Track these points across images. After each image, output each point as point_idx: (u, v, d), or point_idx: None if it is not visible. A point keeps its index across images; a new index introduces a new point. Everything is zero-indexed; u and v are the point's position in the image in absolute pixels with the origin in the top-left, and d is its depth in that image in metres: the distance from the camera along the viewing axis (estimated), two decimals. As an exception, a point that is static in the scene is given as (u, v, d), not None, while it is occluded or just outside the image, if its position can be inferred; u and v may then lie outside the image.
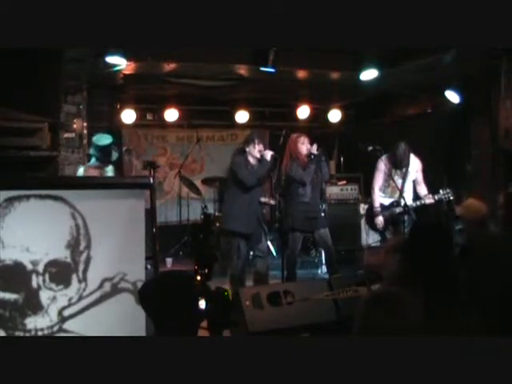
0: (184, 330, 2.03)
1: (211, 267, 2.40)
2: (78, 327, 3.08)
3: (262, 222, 5.35)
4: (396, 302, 1.80)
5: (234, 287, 5.04)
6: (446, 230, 2.53)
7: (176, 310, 2.06)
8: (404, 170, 5.67)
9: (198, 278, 2.42)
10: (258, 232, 5.33)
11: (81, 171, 5.05)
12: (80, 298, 3.11)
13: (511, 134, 5.35)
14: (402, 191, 5.60)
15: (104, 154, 5.01)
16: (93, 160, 5.09)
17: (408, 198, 5.60)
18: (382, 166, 5.76)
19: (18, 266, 2.96)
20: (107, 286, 3.17)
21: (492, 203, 5.76)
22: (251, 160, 5.31)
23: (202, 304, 2.28)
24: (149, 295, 2.14)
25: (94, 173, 4.98)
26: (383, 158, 5.76)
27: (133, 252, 3.24)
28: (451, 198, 5.48)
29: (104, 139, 5.10)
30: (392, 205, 5.71)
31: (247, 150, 5.32)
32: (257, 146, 5.26)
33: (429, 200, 5.52)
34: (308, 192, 5.46)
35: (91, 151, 5.10)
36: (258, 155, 5.26)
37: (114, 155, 5.15)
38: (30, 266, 2.99)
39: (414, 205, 5.55)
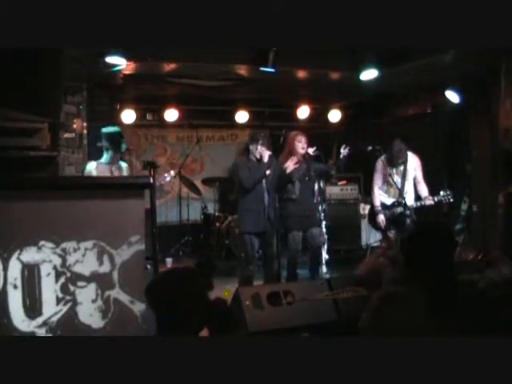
0: (191, 327, 2.06)
1: (211, 276, 2.41)
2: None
3: (272, 222, 5.35)
4: (407, 302, 1.81)
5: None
6: (447, 230, 2.54)
7: (182, 306, 2.08)
8: (402, 167, 5.70)
9: None
10: (269, 231, 5.34)
11: (90, 168, 5.03)
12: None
13: (511, 134, 5.35)
14: (402, 190, 5.62)
15: (113, 142, 5.07)
16: (104, 157, 5.09)
17: (410, 198, 5.64)
18: (380, 165, 5.80)
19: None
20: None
21: (492, 203, 5.79)
22: (253, 159, 5.41)
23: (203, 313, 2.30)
24: (155, 293, 2.16)
25: (105, 171, 4.99)
26: (382, 157, 5.79)
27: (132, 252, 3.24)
28: (451, 200, 5.50)
29: (111, 128, 5.20)
30: (393, 205, 5.73)
31: (250, 148, 5.45)
32: (259, 147, 5.34)
33: (429, 201, 5.54)
34: (296, 189, 5.47)
35: (103, 143, 5.14)
36: (258, 156, 5.35)
37: (123, 146, 5.18)
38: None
39: (415, 205, 5.57)
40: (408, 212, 5.55)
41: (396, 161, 5.67)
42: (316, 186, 5.73)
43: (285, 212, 5.47)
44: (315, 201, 5.67)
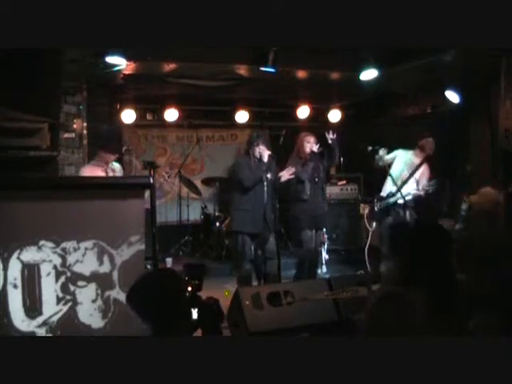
0: (179, 327, 2.09)
1: (201, 278, 2.43)
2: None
3: (269, 222, 5.34)
4: (405, 302, 1.81)
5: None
6: (446, 229, 2.54)
7: (165, 307, 2.11)
8: (415, 164, 5.92)
9: (190, 288, 2.47)
10: (265, 232, 5.33)
11: (83, 170, 5.01)
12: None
13: (511, 134, 5.35)
14: (403, 183, 5.86)
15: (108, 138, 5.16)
16: (95, 158, 5.08)
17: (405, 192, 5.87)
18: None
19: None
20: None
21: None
22: (253, 160, 5.40)
23: (195, 314, 2.32)
24: (136, 297, 2.18)
25: (98, 171, 4.95)
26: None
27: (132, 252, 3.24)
28: (435, 186, 5.68)
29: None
30: (388, 195, 5.93)
31: (250, 151, 5.44)
32: (257, 149, 5.34)
33: (414, 191, 5.77)
34: (307, 190, 5.48)
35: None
36: (258, 156, 5.34)
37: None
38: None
39: (404, 196, 5.77)
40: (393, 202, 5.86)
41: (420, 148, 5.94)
42: (325, 186, 5.80)
43: (296, 212, 5.48)
44: (325, 201, 5.72)
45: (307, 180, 5.48)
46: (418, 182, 5.87)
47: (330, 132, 5.51)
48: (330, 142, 5.47)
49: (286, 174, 5.38)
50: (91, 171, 4.90)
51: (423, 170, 5.94)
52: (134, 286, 2.23)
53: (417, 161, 5.96)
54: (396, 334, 1.73)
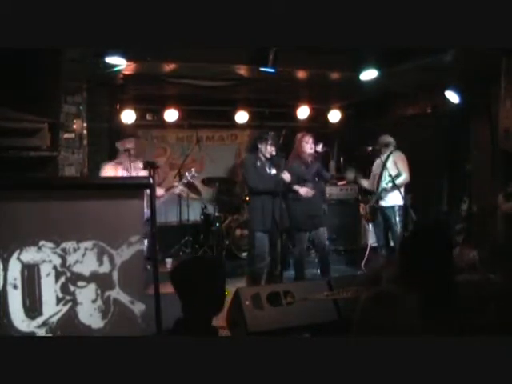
0: (210, 308, 2.30)
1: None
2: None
3: (279, 221, 5.36)
4: (395, 302, 1.81)
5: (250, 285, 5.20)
6: (446, 230, 2.53)
7: (204, 289, 2.28)
8: (383, 159, 6.13)
9: None
10: (275, 231, 5.36)
11: (104, 169, 5.18)
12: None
13: (511, 134, 5.35)
14: (379, 180, 6.20)
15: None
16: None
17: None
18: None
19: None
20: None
21: (492, 203, 5.80)
22: (261, 157, 5.44)
23: None
24: (179, 277, 2.36)
25: (118, 169, 5.09)
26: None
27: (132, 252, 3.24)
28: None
29: None
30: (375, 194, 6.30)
31: (259, 146, 5.48)
32: (268, 148, 5.37)
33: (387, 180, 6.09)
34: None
35: None
36: (268, 155, 5.38)
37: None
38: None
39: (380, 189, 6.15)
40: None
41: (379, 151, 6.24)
42: (325, 187, 5.83)
43: (294, 212, 5.49)
44: (323, 201, 5.76)
45: (310, 180, 5.50)
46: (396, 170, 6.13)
47: (320, 144, 5.56)
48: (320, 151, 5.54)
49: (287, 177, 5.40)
50: (113, 170, 5.00)
51: (394, 160, 6.17)
52: (178, 267, 2.44)
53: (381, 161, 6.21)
54: (386, 333, 1.73)
